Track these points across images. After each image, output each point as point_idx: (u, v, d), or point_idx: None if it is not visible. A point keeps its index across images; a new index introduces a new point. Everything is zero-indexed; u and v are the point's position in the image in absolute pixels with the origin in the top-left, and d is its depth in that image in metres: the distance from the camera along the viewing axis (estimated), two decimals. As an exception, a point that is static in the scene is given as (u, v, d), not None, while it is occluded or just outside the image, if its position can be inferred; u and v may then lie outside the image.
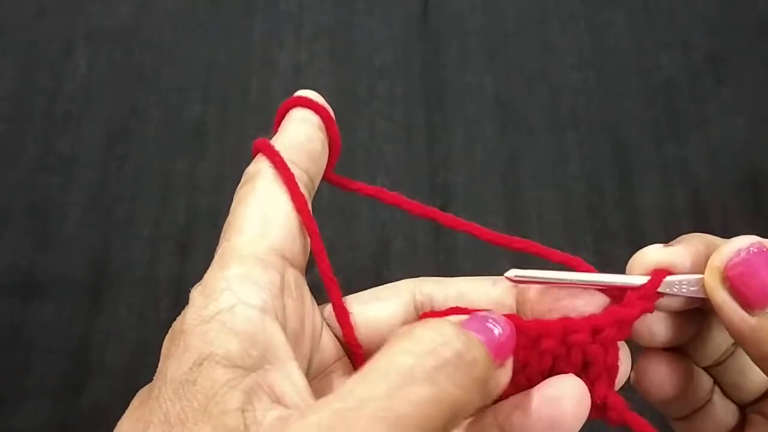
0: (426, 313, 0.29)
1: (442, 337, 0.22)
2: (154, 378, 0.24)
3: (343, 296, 0.29)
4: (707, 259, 0.27)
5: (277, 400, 0.22)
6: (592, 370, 0.26)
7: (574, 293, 0.27)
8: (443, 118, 0.67)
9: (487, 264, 0.58)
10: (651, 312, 0.27)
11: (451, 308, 0.28)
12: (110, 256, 0.61)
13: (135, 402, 0.24)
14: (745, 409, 0.30)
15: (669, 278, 0.27)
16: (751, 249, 0.25)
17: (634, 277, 0.27)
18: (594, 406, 0.26)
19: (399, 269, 0.61)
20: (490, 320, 0.24)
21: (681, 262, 0.27)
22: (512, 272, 0.28)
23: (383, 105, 0.67)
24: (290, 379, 0.23)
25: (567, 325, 0.26)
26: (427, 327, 0.22)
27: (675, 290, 0.27)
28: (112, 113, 0.67)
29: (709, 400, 0.30)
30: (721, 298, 0.26)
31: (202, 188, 0.63)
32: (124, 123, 0.66)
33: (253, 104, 0.67)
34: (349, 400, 0.20)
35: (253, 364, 0.22)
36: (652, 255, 0.27)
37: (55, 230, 0.62)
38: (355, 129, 0.66)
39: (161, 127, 0.66)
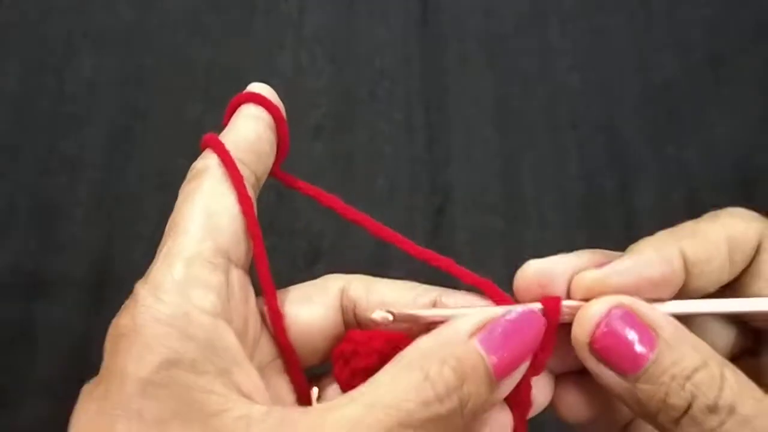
0: (349, 332, 0.29)
1: (449, 384, 0.23)
2: (103, 372, 0.24)
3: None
4: (590, 265, 0.27)
5: (248, 398, 0.23)
6: (507, 402, 0.27)
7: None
8: (443, 119, 0.67)
9: (484, 264, 0.58)
10: (554, 343, 0.27)
11: (371, 332, 0.28)
12: (113, 256, 0.61)
13: (84, 397, 0.25)
14: None
15: (564, 303, 0.27)
16: (612, 313, 0.25)
17: (526, 306, 0.27)
18: None
19: (399, 269, 0.61)
20: (512, 326, 0.25)
21: (559, 269, 0.27)
22: (378, 314, 0.28)
23: (383, 106, 0.68)
24: (251, 378, 0.24)
25: None
26: (440, 364, 0.23)
27: (567, 318, 0.27)
28: (115, 114, 0.67)
29: (632, 420, 0.30)
30: (595, 366, 0.26)
31: (204, 189, 0.64)
32: (127, 124, 0.67)
33: (254, 105, 0.67)
34: (354, 428, 0.22)
35: (217, 369, 0.23)
36: (532, 267, 0.27)
37: (58, 231, 0.62)
38: (355, 130, 0.67)
39: (163, 128, 0.67)
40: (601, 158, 0.66)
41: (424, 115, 0.68)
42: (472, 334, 0.25)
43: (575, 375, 0.29)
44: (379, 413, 0.22)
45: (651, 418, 0.25)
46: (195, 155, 0.68)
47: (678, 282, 0.27)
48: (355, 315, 0.30)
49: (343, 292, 0.30)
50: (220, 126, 0.68)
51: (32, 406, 0.56)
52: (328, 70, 0.69)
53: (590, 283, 0.27)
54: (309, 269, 0.28)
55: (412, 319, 0.28)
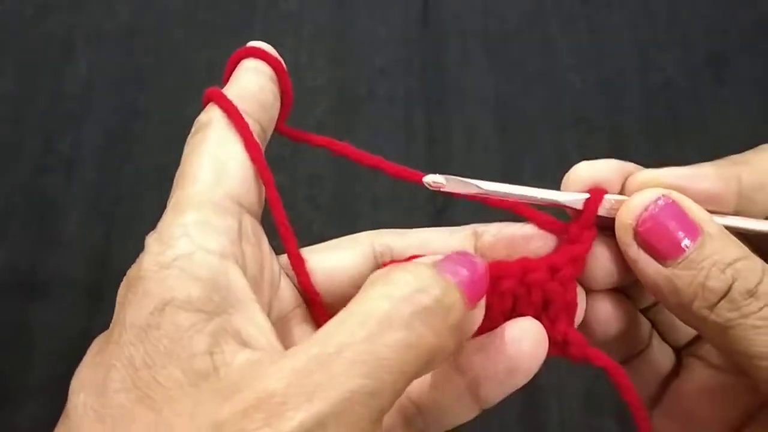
0: (386, 263, 0.28)
1: (419, 282, 0.22)
2: (111, 325, 0.24)
3: (300, 247, 0.29)
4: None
5: (244, 343, 0.22)
6: (552, 309, 0.27)
7: (528, 237, 0.28)
8: (443, 118, 0.67)
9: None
10: (594, 237, 0.27)
11: (412, 256, 0.28)
12: (111, 255, 0.61)
13: (93, 349, 0.24)
14: (681, 352, 0.30)
15: (606, 197, 0.27)
16: (658, 202, 0.26)
17: (572, 194, 0.28)
18: (555, 343, 0.27)
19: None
20: (463, 260, 0.24)
21: (611, 176, 0.28)
22: (429, 177, 0.27)
23: (383, 105, 0.68)
24: (255, 321, 0.23)
25: (525, 266, 0.27)
26: (405, 270, 0.22)
27: (610, 212, 0.27)
28: (112, 113, 0.67)
29: (648, 344, 0.30)
30: (635, 252, 0.26)
31: (203, 188, 0.63)
32: (125, 123, 0.67)
33: (253, 104, 0.67)
34: (328, 345, 0.20)
35: (216, 308, 0.22)
36: (585, 169, 0.28)
37: (56, 230, 0.62)
38: (356, 129, 0.66)
39: (161, 127, 0.67)
40: (602, 158, 0.66)
41: (424, 114, 0.67)
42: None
43: (607, 293, 0.29)
44: (354, 323, 0.21)
45: (686, 307, 0.25)
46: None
47: (730, 202, 0.27)
48: (392, 259, 0.29)
49: (374, 242, 0.29)
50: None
51: (30, 407, 0.56)
52: (327, 69, 0.69)
53: (645, 179, 0.27)
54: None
55: (467, 188, 0.27)
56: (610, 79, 0.69)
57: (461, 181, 0.28)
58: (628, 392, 0.26)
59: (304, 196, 0.63)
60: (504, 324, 0.26)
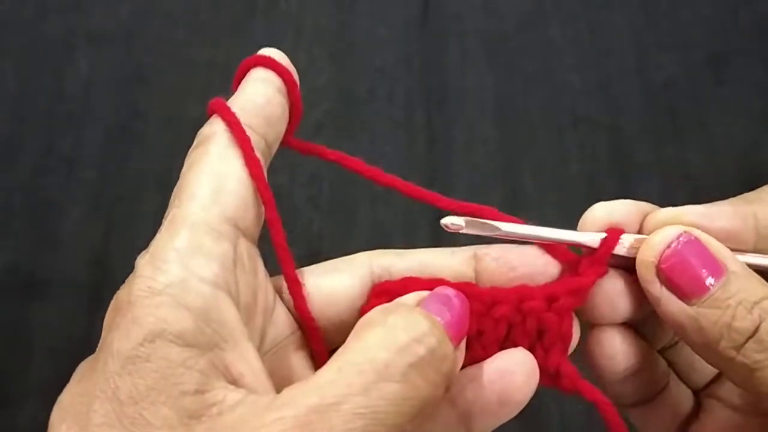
0: (379, 284, 0.28)
1: (416, 332, 0.22)
2: (98, 350, 0.23)
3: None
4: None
5: (234, 381, 0.22)
6: (547, 338, 0.27)
7: (530, 262, 0.27)
8: (443, 118, 0.67)
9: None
10: (605, 275, 0.27)
11: (405, 278, 0.27)
12: (111, 256, 0.61)
13: (76, 375, 0.24)
14: (700, 394, 0.30)
15: (623, 236, 0.27)
16: (680, 239, 0.25)
17: (589, 234, 0.27)
18: (547, 374, 0.26)
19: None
20: (445, 299, 0.25)
21: (628, 216, 0.27)
22: (447, 219, 0.27)
23: (384, 106, 0.68)
24: (246, 359, 0.23)
25: (522, 293, 0.27)
26: (401, 316, 0.22)
27: (630, 252, 0.27)
28: (112, 114, 0.67)
29: (665, 386, 0.29)
30: (657, 290, 0.26)
31: (203, 188, 0.63)
32: (125, 123, 0.67)
33: (253, 105, 0.67)
34: (326, 396, 0.20)
35: (207, 342, 0.22)
36: (601, 209, 0.27)
37: (56, 230, 0.62)
38: (356, 130, 0.66)
39: (161, 128, 0.66)
40: (602, 158, 0.66)
41: (424, 114, 0.67)
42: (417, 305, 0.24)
43: (616, 328, 0.28)
44: (352, 373, 0.21)
45: (711, 347, 0.25)
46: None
47: (748, 239, 0.26)
48: (387, 280, 0.28)
49: (372, 264, 0.28)
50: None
51: (30, 407, 0.56)
52: (327, 69, 0.69)
53: (664, 217, 0.27)
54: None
55: (486, 229, 0.27)
56: (610, 79, 0.69)
57: (480, 222, 0.28)
58: (617, 429, 0.26)
59: (304, 196, 0.63)
60: (496, 355, 0.26)
